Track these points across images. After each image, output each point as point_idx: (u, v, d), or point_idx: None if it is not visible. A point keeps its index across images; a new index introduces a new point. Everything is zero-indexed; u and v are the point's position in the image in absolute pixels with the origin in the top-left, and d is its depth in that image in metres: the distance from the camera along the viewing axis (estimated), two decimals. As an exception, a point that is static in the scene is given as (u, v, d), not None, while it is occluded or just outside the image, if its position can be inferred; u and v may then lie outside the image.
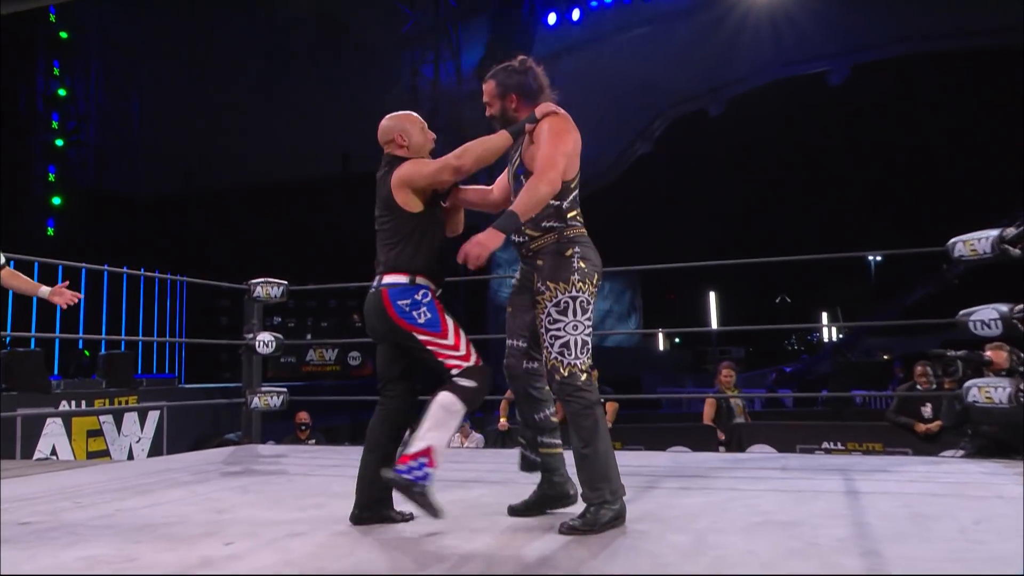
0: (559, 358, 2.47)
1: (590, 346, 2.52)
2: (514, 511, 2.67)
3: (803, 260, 4.58)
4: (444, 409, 2.40)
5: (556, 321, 2.48)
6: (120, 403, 7.33)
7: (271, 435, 6.50)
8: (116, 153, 17.74)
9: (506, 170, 2.76)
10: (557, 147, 2.50)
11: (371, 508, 2.59)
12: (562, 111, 2.61)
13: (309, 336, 15.50)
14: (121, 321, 13.17)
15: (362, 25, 18.58)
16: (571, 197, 2.57)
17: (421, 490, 2.31)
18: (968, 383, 3.76)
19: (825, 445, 6.05)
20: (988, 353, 4.35)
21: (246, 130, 17.23)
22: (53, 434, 6.83)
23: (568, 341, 2.48)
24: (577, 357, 2.48)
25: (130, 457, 7.39)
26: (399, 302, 2.52)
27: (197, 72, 17.98)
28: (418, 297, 2.53)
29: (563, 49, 19.92)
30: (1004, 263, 3.67)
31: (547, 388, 2.61)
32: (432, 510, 2.32)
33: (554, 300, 2.49)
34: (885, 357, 15.45)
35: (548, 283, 2.50)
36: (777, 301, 32.17)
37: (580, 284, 2.50)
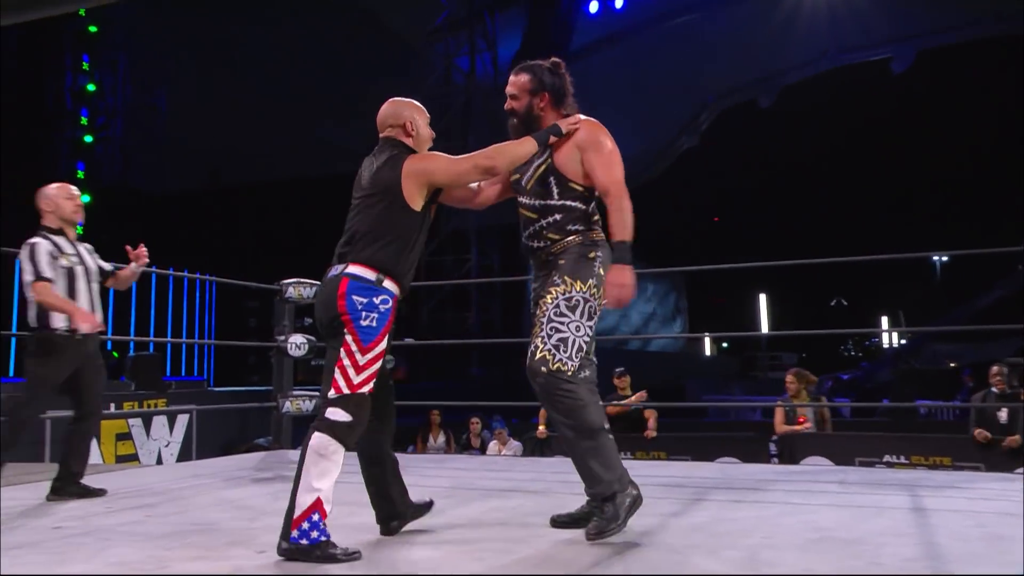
0: (552, 351, 2.46)
1: (583, 352, 2.52)
2: (557, 523, 2.66)
3: (861, 261, 4.48)
4: (318, 454, 2.28)
5: (562, 315, 2.49)
6: (149, 406, 7.49)
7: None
8: (142, 149, 18.15)
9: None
10: (616, 162, 2.59)
11: (397, 516, 2.60)
12: (593, 119, 2.66)
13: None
14: (149, 322, 13.47)
15: (394, 17, 18.75)
16: (595, 201, 2.64)
17: (322, 552, 2.24)
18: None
19: (887, 458, 5.92)
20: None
21: (273, 126, 17.50)
22: (82, 437, 6.98)
23: (567, 339, 2.48)
24: (571, 358, 2.47)
25: (159, 462, 7.55)
26: (355, 296, 2.38)
27: (223, 66, 18.31)
28: (376, 301, 2.39)
29: (603, 39, 19.84)
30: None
31: None
32: (346, 558, 2.26)
33: (567, 295, 2.51)
34: (952, 365, 15.09)
35: (566, 277, 2.53)
36: (832, 304, 31.64)
37: (595, 290, 2.54)
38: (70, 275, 3.45)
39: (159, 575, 2.19)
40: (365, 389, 2.36)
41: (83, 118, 16.20)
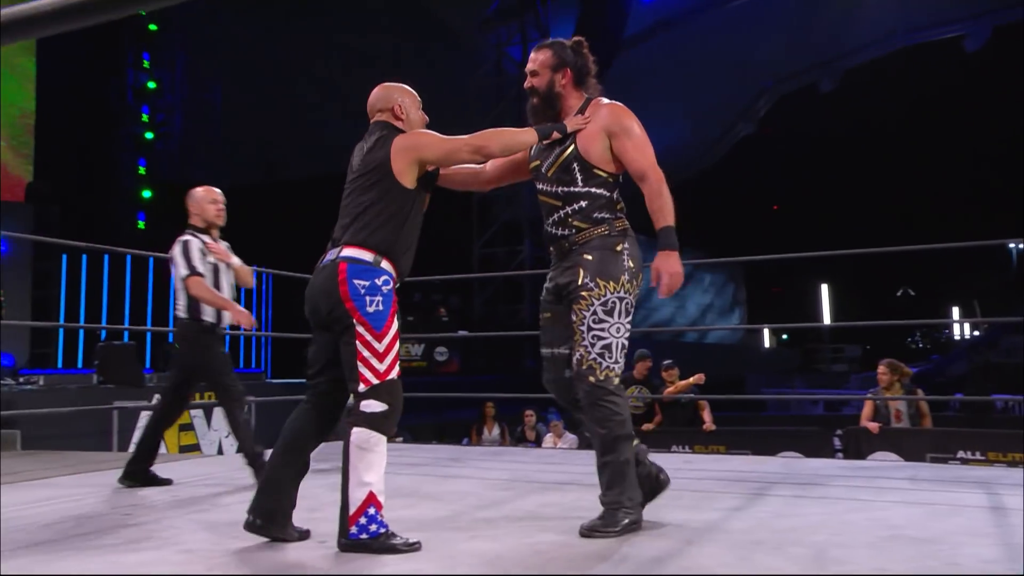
0: (598, 359, 2.49)
1: (625, 349, 2.54)
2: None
3: (934, 249, 4.33)
4: (361, 449, 2.29)
5: (601, 321, 2.50)
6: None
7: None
8: (200, 145, 18.63)
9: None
10: (649, 145, 2.58)
11: (271, 519, 2.42)
12: (617, 102, 2.63)
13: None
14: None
15: (444, 7, 18.81)
16: (619, 188, 2.62)
17: (383, 543, 2.26)
18: None
19: (961, 455, 5.72)
20: None
21: (328, 120, 17.75)
22: (146, 427, 7.23)
23: (611, 344, 2.50)
24: (616, 361, 2.51)
25: (219, 452, 7.77)
26: (356, 281, 2.34)
27: (279, 62, 18.66)
28: (378, 282, 2.36)
29: (658, 24, 19.59)
30: None
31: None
32: (408, 548, 2.28)
33: (602, 299, 2.50)
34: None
35: (598, 280, 2.51)
36: (899, 295, 30.76)
37: (628, 284, 2.53)
38: (215, 271, 3.74)
39: (227, 572, 2.25)
40: (393, 374, 2.36)
41: (144, 115, 16.68)
